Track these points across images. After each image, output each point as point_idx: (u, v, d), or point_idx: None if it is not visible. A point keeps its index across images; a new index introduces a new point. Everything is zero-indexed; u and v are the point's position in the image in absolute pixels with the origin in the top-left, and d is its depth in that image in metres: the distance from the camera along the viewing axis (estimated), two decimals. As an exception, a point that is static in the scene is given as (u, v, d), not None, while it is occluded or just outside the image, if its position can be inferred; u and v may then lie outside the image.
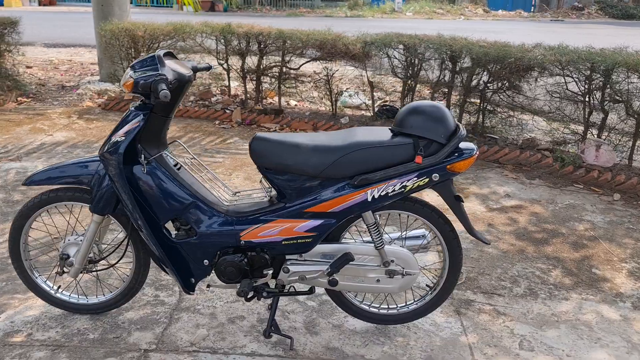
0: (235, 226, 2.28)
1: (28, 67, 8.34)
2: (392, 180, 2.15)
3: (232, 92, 6.44)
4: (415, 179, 2.15)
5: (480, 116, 5.14)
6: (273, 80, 5.94)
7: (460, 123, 2.29)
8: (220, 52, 5.94)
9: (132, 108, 2.21)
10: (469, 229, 2.27)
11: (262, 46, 5.74)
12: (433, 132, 2.13)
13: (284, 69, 5.79)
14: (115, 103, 6.17)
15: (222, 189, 2.45)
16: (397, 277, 2.31)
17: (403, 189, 2.16)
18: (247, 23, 6.06)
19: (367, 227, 2.27)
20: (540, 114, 4.99)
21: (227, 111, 5.96)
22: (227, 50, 5.91)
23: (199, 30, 5.84)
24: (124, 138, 2.15)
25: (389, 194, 2.17)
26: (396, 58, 5.34)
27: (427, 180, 2.16)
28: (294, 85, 5.94)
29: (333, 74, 5.65)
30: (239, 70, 5.97)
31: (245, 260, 2.28)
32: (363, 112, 6.07)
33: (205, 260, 2.32)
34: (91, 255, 2.42)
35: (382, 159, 2.14)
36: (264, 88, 6.08)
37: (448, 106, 5.28)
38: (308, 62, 5.71)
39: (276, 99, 6.06)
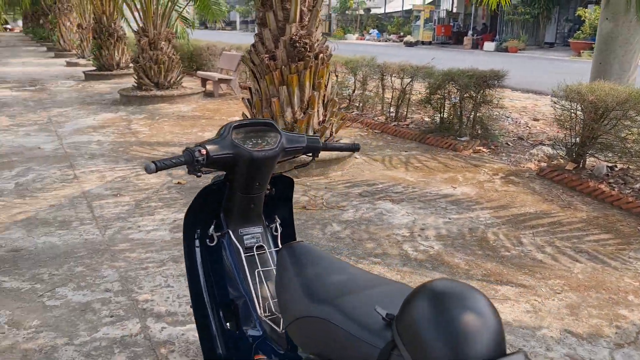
0: (256, 342, 1.86)
1: (535, 119, 8.35)
2: None
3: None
4: None
5: None
6: None
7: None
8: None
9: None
10: None
11: None
12: (418, 347, 1.11)
13: None
14: (550, 171, 5.50)
15: None
16: None
17: None
18: None
19: None
20: None
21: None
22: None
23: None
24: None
25: None
26: None
27: None
28: None
29: None
30: None
31: None
32: None
33: None
34: None
35: (337, 347, 1.29)
36: None
37: None
38: None
39: None
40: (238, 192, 2.03)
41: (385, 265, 3.62)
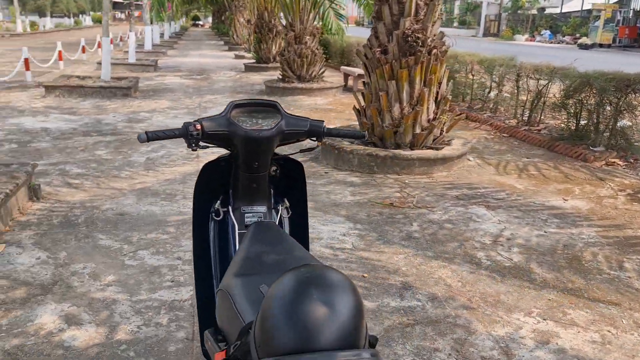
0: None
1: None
2: None
3: None
4: None
5: None
6: None
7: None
8: None
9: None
10: None
11: None
12: (264, 327, 1.09)
13: None
14: (692, 191, 4.72)
15: None
16: None
17: None
18: None
19: None
20: None
21: None
22: None
23: None
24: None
25: None
26: None
27: None
28: None
29: None
30: None
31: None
32: None
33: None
34: None
35: (226, 320, 1.29)
36: None
37: None
38: None
39: None
40: (240, 170, 2.08)
41: (451, 270, 3.42)
